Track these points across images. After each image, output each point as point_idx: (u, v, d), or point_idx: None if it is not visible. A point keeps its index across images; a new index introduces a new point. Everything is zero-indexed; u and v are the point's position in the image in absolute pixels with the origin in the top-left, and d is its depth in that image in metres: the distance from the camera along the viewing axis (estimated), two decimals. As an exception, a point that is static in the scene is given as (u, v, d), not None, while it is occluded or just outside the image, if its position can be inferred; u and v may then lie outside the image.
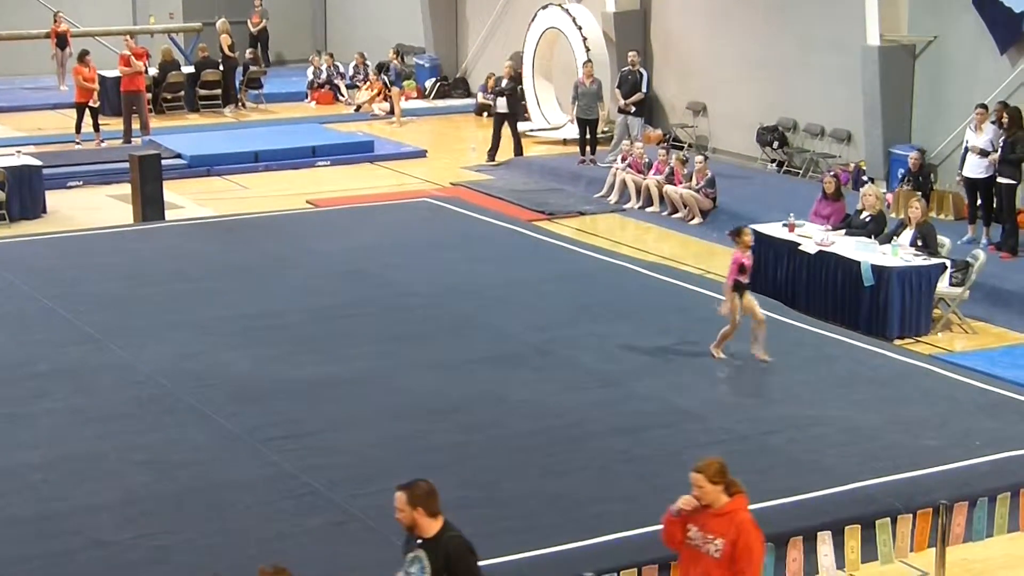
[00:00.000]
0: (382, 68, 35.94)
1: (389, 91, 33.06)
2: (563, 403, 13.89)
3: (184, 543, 10.99)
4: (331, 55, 36.56)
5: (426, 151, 28.91)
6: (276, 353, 15.46)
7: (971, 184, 20.36)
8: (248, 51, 35.87)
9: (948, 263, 17.44)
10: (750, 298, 15.11)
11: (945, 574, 10.59)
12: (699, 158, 23.51)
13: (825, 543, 10.60)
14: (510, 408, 13.79)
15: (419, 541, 8.52)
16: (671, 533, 8.86)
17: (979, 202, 20.39)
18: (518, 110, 28.09)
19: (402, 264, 19.32)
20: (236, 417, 13.51)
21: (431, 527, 8.49)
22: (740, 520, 8.63)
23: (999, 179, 19.72)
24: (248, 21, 38.47)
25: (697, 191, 22.82)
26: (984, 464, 12.26)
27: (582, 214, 23.69)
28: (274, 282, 18.40)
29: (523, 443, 12.91)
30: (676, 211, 23.11)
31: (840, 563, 10.65)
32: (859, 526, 10.69)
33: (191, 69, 34.19)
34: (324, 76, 35.74)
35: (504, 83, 27.58)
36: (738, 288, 15.01)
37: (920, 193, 21.09)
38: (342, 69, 36.22)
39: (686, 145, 27.69)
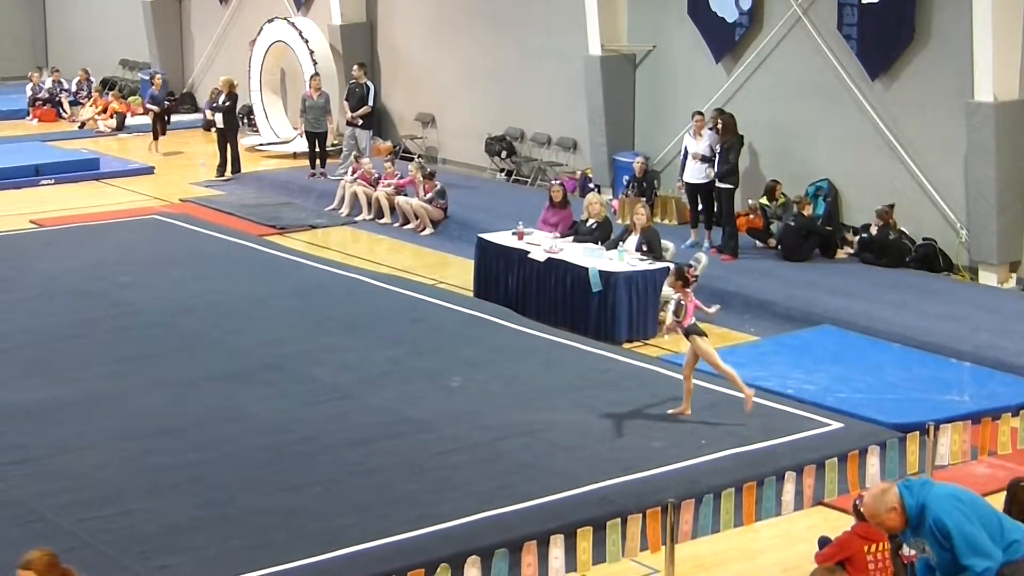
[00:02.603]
0: (107, 84, 35.27)
1: (129, 108, 32.14)
2: (296, 417, 13.83)
3: None
4: (57, 71, 35.72)
5: (154, 167, 28.41)
6: (-1, 377, 15.09)
7: (692, 189, 20.88)
8: (-35, 68, 34.83)
9: (672, 267, 17.80)
10: (699, 342, 13.87)
11: (675, 571, 10.82)
12: (411, 167, 23.61)
13: (556, 546, 10.76)
14: (243, 425, 13.68)
15: None
16: None
17: (700, 207, 20.92)
18: (236, 125, 27.80)
19: (131, 283, 19.01)
20: (-43, 446, 13.10)
21: None
22: None
23: (718, 184, 20.26)
24: (-38, 37, 37.34)
25: (428, 202, 22.93)
26: (709, 462, 12.64)
27: (314, 227, 23.58)
28: (-4, 305, 17.95)
29: (256, 459, 12.82)
30: (407, 222, 23.18)
31: (571, 566, 10.81)
32: (591, 527, 10.87)
33: (-98, 87, 33.03)
34: (45, 92, 34.83)
35: (222, 99, 27.25)
36: (691, 331, 13.86)
37: (644, 199, 21.61)
38: (67, 85, 35.36)
39: (416, 156, 27.77)
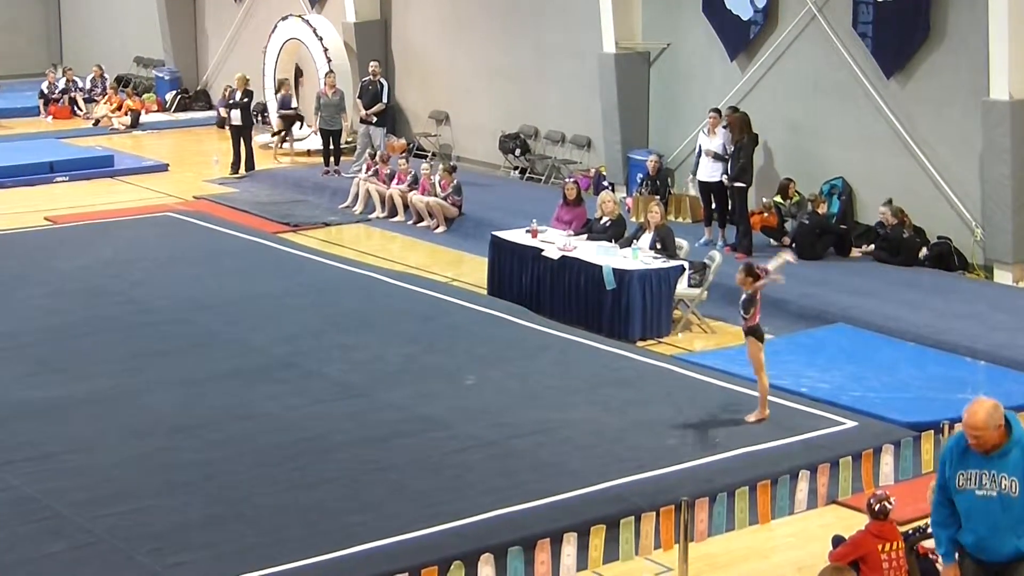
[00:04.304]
0: (121, 81, 35.31)
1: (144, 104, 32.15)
2: (310, 415, 13.83)
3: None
4: (71, 70, 35.77)
5: (168, 165, 28.45)
6: (13, 374, 15.07)
7: (705, 187, 20.85)
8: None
9: (686, 265, 17.82)
10: (754, 346, 13.66)
11: (689, 569, 10.81)
12: (424, 166, 23.60)
13: (569, 544, 10.76)
14: (256, 422, 13.67)
15: None
16: None
17: (714, 205, 20.88)
18: (250, 123, 27.81)
19: (145, 280, 19.03)
20: (-29, 442, 13.10)
21: None
22: None
23: (732, 182, 20.20)
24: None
25: (444, 199, 22.90)
26: (723, 461, 12.62)
27: (327, 225, 23.59)
28: (11, 301, 17.94)
29: (270, 457, 12.80)
30: (421, 220, 23.16)
31: (584, 563, 10.81)
32: (604, 526, 10.86)
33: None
34: (60, 89, 34.88)
35: (237, 96, 27.28)
36: (753, 331, 13.64)
37: (658, 197, 21.59)
38: (81, 83, 35.40)
39: (430, 154, 27.77)
